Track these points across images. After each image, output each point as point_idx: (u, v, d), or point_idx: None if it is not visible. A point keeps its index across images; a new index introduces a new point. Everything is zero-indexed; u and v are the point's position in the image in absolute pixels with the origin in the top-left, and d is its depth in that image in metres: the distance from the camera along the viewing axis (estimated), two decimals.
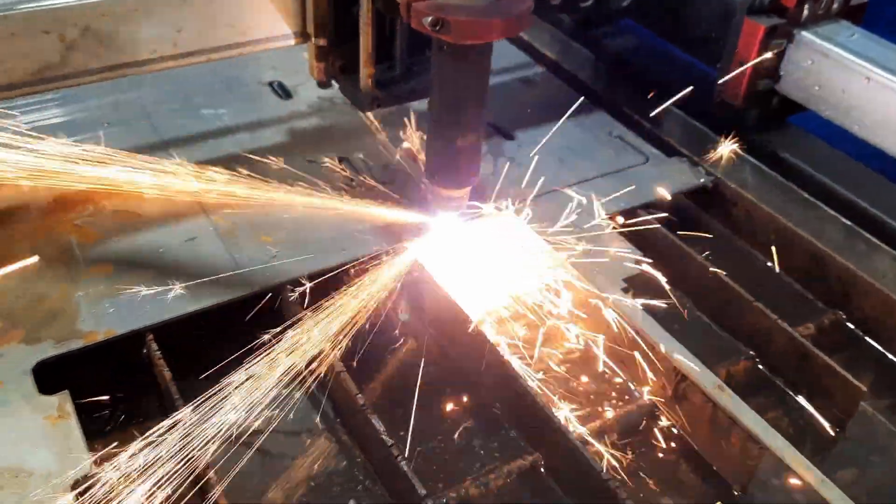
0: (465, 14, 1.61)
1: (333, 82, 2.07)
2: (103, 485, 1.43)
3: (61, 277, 1.80)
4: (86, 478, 1.43)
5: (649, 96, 2.48)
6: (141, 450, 1.46)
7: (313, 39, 1.95)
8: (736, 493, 1.65)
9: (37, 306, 1.74)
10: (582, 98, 2.36)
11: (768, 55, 2.23)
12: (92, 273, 1.82)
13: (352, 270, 1.87)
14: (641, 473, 1.69)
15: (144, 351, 1.69)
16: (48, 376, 1.61)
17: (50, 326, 1.70)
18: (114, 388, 1.67)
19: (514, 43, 2.84)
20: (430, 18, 1.60)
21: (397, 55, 1.96)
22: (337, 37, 1.94)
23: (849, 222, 2.13)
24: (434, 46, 1.73)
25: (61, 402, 1.55)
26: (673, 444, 1.75)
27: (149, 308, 1.74)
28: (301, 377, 1.62)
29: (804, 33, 2.22)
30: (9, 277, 1.80)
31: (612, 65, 2.71)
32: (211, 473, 1.47)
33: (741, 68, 2.26)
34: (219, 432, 1.50)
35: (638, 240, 2.04)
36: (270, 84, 2.53)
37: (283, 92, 2.51)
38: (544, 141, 2.26)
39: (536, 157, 2.19)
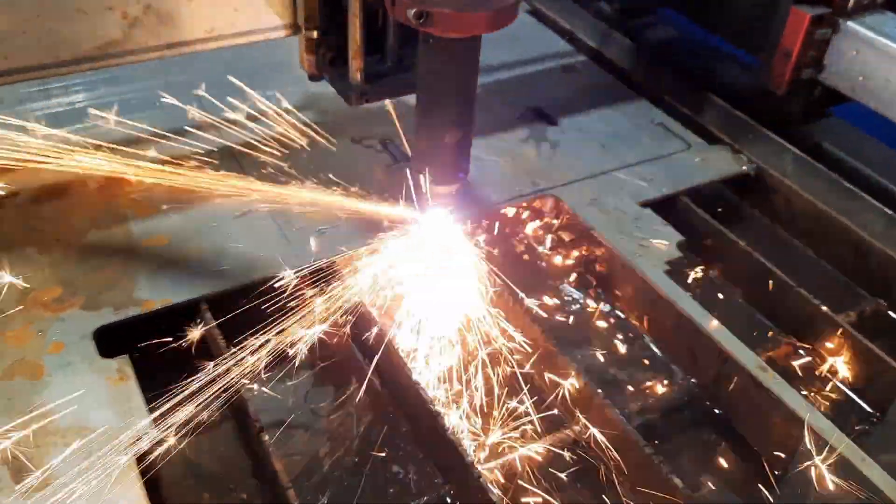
0: (449, 6, 1.55)
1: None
2: (161, 443, 1.50)
3: (118, 249, 1.86)
4: (146, 437, 1.49)
5: (690, 85, 2.50)
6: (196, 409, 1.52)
7: (303, 31, 1.88)
8: (776, 473, 1.67)
9: (95, 275, 1.80)
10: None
11: (813, 45, 2.23)
12: (148, 244, 1.88)
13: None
14: (683, 453, 1.72)
15: (199, 320, 1.73)
16: (108, 341, 1.66)
17: (108, 294, 1.76)
18: (170, 354, 1.71)
19: (556, 31, 2.86)
20: (413, 10, 1.54)
21: (388, 47, 1.90)
22: (327, 28, 1.87)
23: (890, 211, 2.13)
24: (420, 39, 1.68)
25: (121, 365, 1.61)
26: (714, 425, 1.78)
27: (203, 279, 1.79)
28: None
29: (850, 23, 2.21)
30: (68, 247, 1.86)
31: (652, 54, 2.72)
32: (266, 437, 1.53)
33: (785, 58, 2.27)
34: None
35: (680, 224, 2.05)
36: None
37: None
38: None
39: (579, 142, 2.22)
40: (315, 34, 1.87)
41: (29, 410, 1.51)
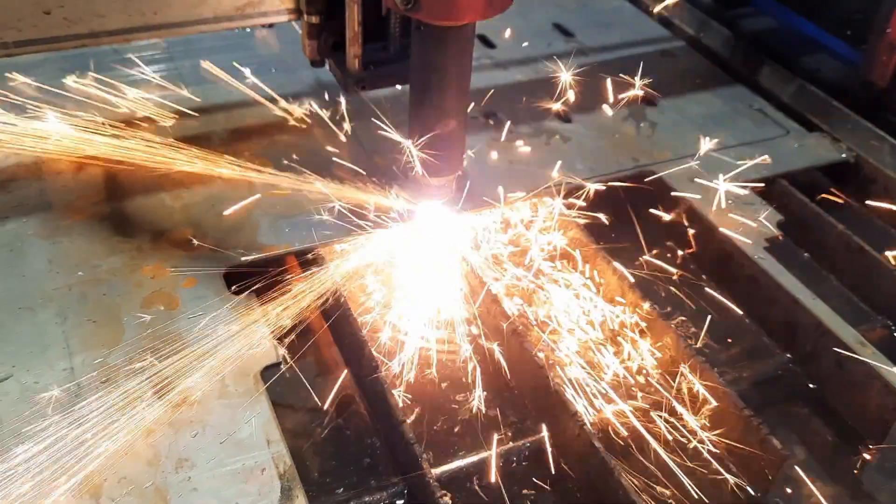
0: None
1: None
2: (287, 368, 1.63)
3: (243, 197, 1.98)
4: (272, 365, 1.62)
5: (788, 74, 2.53)
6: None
7: (305, 16, 1.85)
8: (871, 447, 1.70)
9: (222, 221, 1.93)
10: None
11: None
12: (270, 196, 1.99)
13: None
14: (775, 424, 1.75)
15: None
16: (235, 279, 1.79)
17: (235, 238, 1.88)
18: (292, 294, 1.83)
19: (654, 18, 2.91)
20: None
21: (391, 35, 1.85)
22: (329, 13, 1.83)
23: None
24: (412, 25, 1.61)
25: (248, 299, 1.73)
26: (807, 399, 1.82)
27: (317, 228, 1.91)
28: None
29: None
30: (195, 194, 1.99)
31: (750, 42, 2.75)
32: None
33: (890, 50, 2.28)
34: None
35: (779, 206, 2.09)
36: None
37: None
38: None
39: (678, 123, 2.26)
40: (316, 19, 1.85)
41: (167, 336, 1.63)
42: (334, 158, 2.09)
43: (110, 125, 2.06)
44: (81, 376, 1.55)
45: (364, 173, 2.04)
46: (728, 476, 1.59)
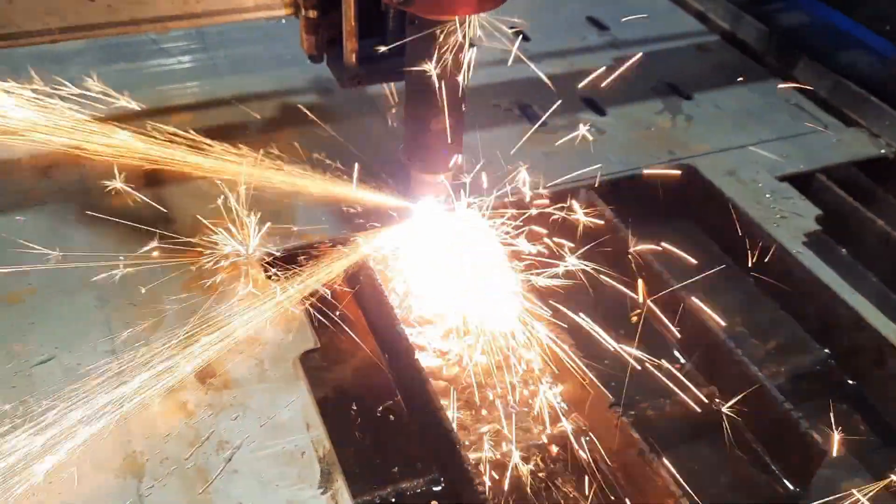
0: None
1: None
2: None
3: (278, 186, 1.98)
4: (310, 350, 1.63)
5: (824, 69, 2.51)
6: None
7: (303, 11, 1.84)
8: None
9: (260, 208, 1.91)
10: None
11: None
12: (305, 185, 2.00)
13: None
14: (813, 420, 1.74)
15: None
16: (272, 266, 1.80)
17: (272, 225, 1.89)
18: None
19: (689, 12, 2.89)
20: None
21: (388, 30, 1.81)
22: (327, 9, 1.81)
23: None
24: (407, 20, 1.60)
25: (285, 286, 1.73)
26: (845, 394, 1.80)
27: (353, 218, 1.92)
28: None
29: None
30: (232, 182, 1.99)
31: (785, 37, 2.72)
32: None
33: None
34: None
35: (817, 201, 2.07)
36: None
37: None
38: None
39: (714, 116, 2.25)
40: (313, 14, 1.83)
41: (206, 320, 1.65)
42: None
43: (146, 115, 2.08)
44: (122, 358, 1.56)
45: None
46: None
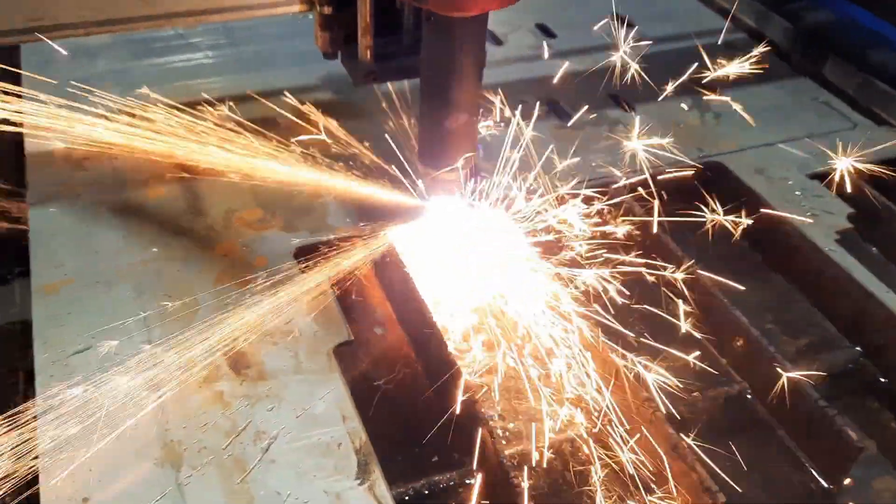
0: None
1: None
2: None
3: (310, 180, 1.99)
4: (344, 343, 1.64)
5: (852, 67, 2.49)
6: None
7: (318, 7, 1.84)
8: None
9: (291, 202, 1.95)
10: None
11: None
12: (337, 180, 2.01)
13: None
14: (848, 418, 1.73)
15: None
16: (304, 258, 1.81)
17: (304, 219, 1.90)
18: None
19: (713, 9, 2.88)
20: None
21: (405, 27, 1.82)
22: (341, 5, 1.82)
23: None
24: (423, 17, 1.57)
25: (319, 279, 1.74)
26: (877, 393, 1.79)
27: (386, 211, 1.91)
28: None
29: None
30: (264, 176, 2.01)
31: (811, 35, 2.71)
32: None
33: None
34: None
35: (848, 199, 2.06)
36: None
37: (494, 39, 2.65)
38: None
39: (741, 112, 2.25)
40: (328, 10, 1.83)
41: (240, 313, 1.65)
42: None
43: (177, 109, 2.09)
44: (158, 349, 1.57)
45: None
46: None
